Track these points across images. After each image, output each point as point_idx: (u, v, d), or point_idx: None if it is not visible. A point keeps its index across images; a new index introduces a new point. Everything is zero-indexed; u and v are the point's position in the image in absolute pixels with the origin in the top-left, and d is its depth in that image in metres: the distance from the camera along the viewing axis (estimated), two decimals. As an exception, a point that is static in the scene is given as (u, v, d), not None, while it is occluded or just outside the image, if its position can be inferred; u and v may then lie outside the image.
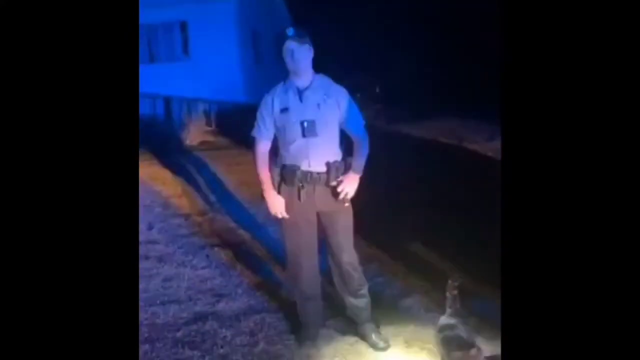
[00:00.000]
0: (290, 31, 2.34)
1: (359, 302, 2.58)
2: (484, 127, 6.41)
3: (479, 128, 6.48)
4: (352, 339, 2.59)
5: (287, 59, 2.35)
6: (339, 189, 2.41)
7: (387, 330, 2.63)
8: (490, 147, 5.48)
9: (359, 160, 2.44)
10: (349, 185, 2.42)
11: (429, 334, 2.61)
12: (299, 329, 2.65)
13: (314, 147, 2.37)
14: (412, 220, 4.05)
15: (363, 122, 2.49)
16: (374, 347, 2.51)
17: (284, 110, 2.39)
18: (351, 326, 2.66)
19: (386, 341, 2.52)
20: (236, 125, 8.14)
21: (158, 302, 3.07)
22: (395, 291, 3.07)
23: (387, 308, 2.88)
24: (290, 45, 2.32)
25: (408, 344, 2.54)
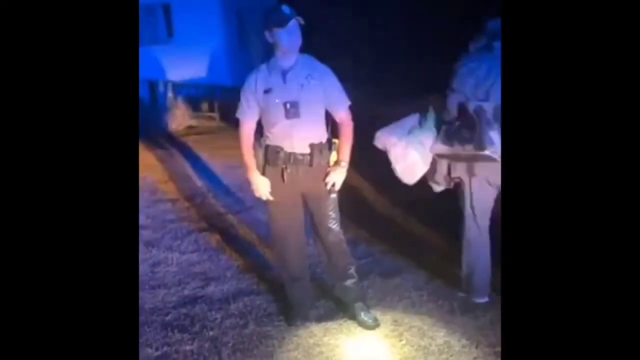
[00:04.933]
0: (286, 9, 2.25)
1: (347, 282, 2.59)
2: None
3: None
4: (341, 319, 2.61)
5: (283, 39, 2.27)
6: (326, 180, 2.41)
7: (376, 310, 2.64)
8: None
9: (345, 150, 2.42)
10: (336, 177, 2.41)
11: (418, 313, 2.64)
12: (289, 310, 2.66)
13: (298, 129, 2.35)
14: (399, 200, 4.06)
15: (348, 103, 2.45)
16: (363, 325, 2.53)
17: (268, 91, 2.35)
18: (340, 306, 2.67)
19: (375, 320, 2.54)
20: (222, 108, 8.07)
21: (147, 286, 3.05)
22: (384, 270, 3.09)
23: (375, 288, 2.90)
24: (292, 24, 2.25)
25: (397, 322, 2.56)
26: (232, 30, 11.69)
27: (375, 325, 2.52)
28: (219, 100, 8.27)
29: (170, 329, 2.61)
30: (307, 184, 2.44)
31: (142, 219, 4.13)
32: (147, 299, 2.91)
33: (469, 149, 2.30)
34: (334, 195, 2.47)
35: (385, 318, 2.59)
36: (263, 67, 2.41)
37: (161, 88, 8.85)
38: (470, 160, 2.37)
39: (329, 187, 2.42)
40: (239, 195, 4.55)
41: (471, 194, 2.49)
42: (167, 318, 2.72)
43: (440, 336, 2.44)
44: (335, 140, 2.45)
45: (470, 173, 2.44)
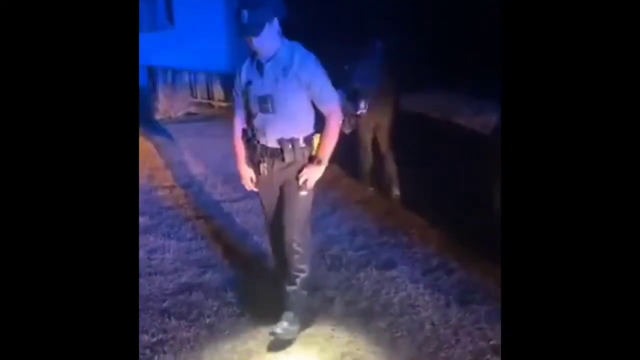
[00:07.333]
0: (244, 18, 2.13)
1: (291, 287, 2.45)
2: (470, 100, 6.38)
3: (466, 101, 6.45)
4: (337, 312, 2.61)
5: (247, 43, 2.21)
6: (299, 175, 2.32)
7: (372, 302, 2.65)
8: (477, 122, 5.47)
9: (326, 147, 2.31)
10: (310, 174, 2.31)
11: (414, 305, 2.66)
12: (285, 297, 2.65)
13: (271, 123, 2.29)
14: (399, 193, 4.07)
15: (336, 96, 2.35)
16: (273, 333, 2.36)
17: (248, 83, 2.32)
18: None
19: (289, 334, 2.37)
20: (221, 95, 8.04)
21: (143, 273, 3.06)
22: (380, 263, 3.10)
23: (372, 280, 2.91)
24: (246, 34, 2.16)
25: (393, 315, 2.57)
26: (233, 17, 11.59)
27: (285, 339, 2.35)
28: (218, 87, 8.23)
29: (167, 316, 2.62)
30: (281, 179, 2.39)
31: (140, 206, 4.11)
32: (144, 285, 2.91)
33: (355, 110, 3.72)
34: (304, 193, 2.34)
35: (381, 311, 2.61)
36: (249, 58, 2.35)
37: (160, 75, 8.79)
38: (356, 117, 3.76)
39: (300, 182, 2.32)
40: (236, 183, 4.52)
41: (360, 131, 4.02)
42: (164, 305, 2.73)
43: (436, 329, 2.46)
44: (316, 135, 2.35)
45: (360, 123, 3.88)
